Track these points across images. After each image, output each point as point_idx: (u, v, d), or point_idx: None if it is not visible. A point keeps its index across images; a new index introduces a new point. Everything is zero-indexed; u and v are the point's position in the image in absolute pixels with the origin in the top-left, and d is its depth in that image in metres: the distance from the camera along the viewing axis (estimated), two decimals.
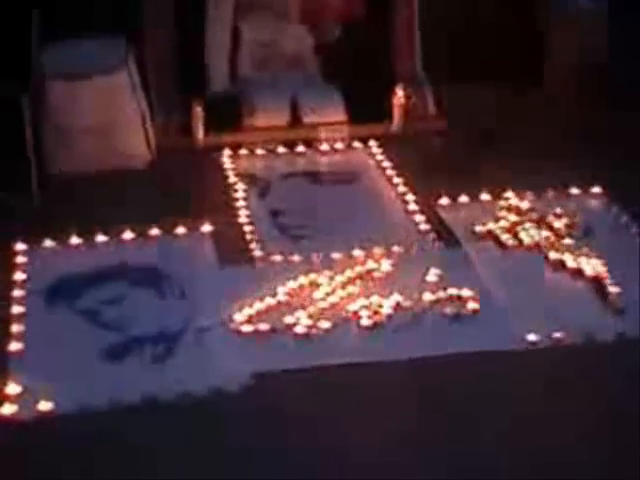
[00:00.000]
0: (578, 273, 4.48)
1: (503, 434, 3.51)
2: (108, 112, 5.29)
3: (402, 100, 5.72)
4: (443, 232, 4.80)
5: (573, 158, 5.25)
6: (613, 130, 5.44)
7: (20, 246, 4.65)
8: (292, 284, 4.37)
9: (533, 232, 4.77)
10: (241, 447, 3.50)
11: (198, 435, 3.55)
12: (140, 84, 5.46)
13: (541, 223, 4.85)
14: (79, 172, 5.16)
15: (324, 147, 5.63)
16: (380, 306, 4.23)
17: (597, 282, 4.41)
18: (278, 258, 4.61)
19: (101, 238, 4.72)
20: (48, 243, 4.69)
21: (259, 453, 3.48)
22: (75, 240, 4.72)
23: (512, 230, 4.80)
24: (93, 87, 5.27)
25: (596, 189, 5.14)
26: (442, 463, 3.37)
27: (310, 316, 4.19)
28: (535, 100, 5.82)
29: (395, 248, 4.63)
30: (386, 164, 5.45)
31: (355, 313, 4.21)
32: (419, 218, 4.93)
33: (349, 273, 4.45)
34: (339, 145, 5.64)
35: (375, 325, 4.15)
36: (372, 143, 5.64)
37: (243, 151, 5.58)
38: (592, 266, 4.49)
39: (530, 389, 3.75)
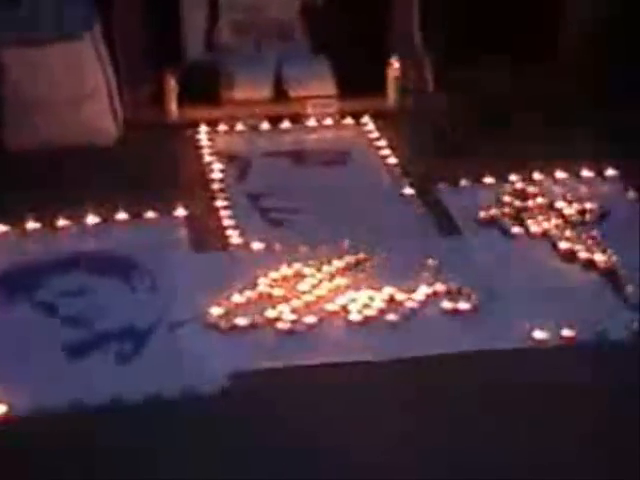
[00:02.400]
0: (590, 264, 4.48)
1: (504, 435, 3.54)
2: (70, 83, 5.26)
3: (398, 73, 5.71)
4: (442, 218, 4.80)
5: (585, 138, 5.26)
6: (631, 108, 5.44)
7: None
8: (274, 275, 4.36)
9: (541, 219, 4.77)
10: (214, 454, 3.49)
11: (169, 442, 3.54)
12: (106, 51, 5.43)
13: (550, 209, 4.85)
14: (38, 149, 5.14)
15: (311, 123, 5.62)
16: (371, 299, 4.22)
17: (611, 274, 4.41)
18: (259, 245, 4.60)
19: (62, 222, 4.70)
20: (2, 228, 4.66)
21: (235, 460, 3.47)
22: (33, 225, 4.69)
23: (518, 217, 4.80)
24: (53, 55, 5.23)
25: (611, 172, 5.15)
26: (442, 464, 3.41)
27: (294, 310, 4.18)
28: (545, 74, 5.82)
29: (388, 236, 4.62)
30: (380, 143, 5.44)
31: (344, 307, 4.20)
32: (416, 203, 4.92)
33: (337, 263, 4.44)
34: (328, 121, 5.64)
35: (365, 321, 4.14)
36: (365, 119, 5.63)
37: (221, 127, 5.56)
38: (606, 257, 4.49)
39: (535, 391, 3.75)
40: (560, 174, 5.11)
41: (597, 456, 3.44)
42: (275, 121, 5.59)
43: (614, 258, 4.47)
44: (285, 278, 4.36)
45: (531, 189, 4.99)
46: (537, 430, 3.55)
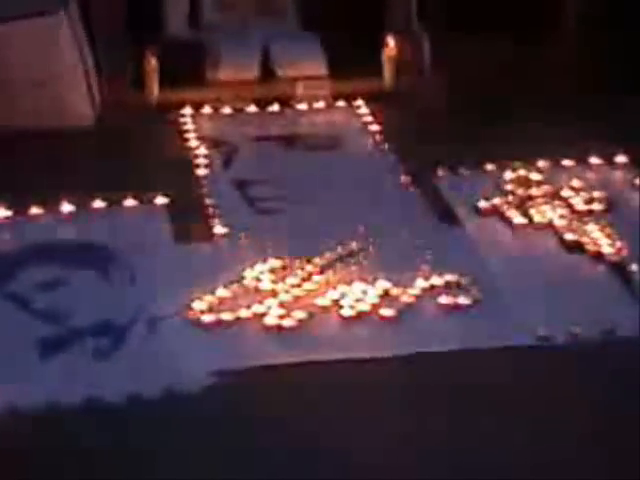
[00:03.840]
0: (598, 256, 4.48)
1: (504, 435, 3.56)
2: (44, 61, 5.25)
3: (394, 53, 5.70)
4: (441, 207, 4.80)
5: (593, 121, 5.26)
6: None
7: None
8: (261, 267, 4.36)
9: (546, 208, 4.77)
10: (197, 456, 3.48)
11: (150, 444, 3.53)
12: (83, 28, 5.42)
13: (555, 198, 4.85)
14: (9, 132, 5.11)
15: (301, 106, 5.62)
16: (364, 294, 4.22)
17: (620, 267, 4.41)
18: (245, 236, 4.59)
19: (35, 210, 4.68)
20: None
21: (216, 463, 3.46)
22: (4, 212, 4.67)
23: (521, 206, 4.80)
24: (25, 31, 5.21)
25: (620, 158, 5.15)
26: (442, 463, 3.44)
27: (282, 305, 4.18)
28: (548, 52, 5.83)
29: (382, 226, 4.61)
30: (374, 127, 5.44)
31: (335, 302, 4.20)
32: (412, 191, 4.92)
33: (329, 255, 4.44)
34: (319, 104, 5.63)
35: (358, 316, 4.14)
36: (358, 102, 5.63)
37: (205, 110, 5.56)
38: (614, 248, 4.49)
39: (539, 390, 3.76)
40: (567, 161, 5.11)
41: (598, 454, 3.47)
42: (263, 104, 5.58)
43: (623, 250, 4.47)
44: (273, 271, 4.35)
45: (535, 177, 4.99)
46: (538, 429, 3.57)
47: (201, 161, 5.14)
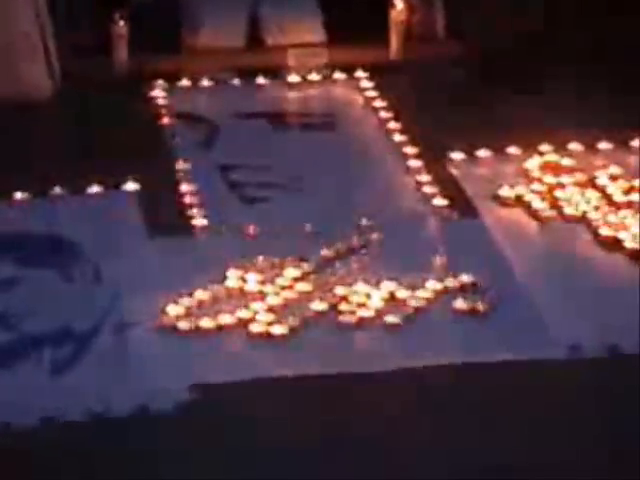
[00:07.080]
0: (638, 255, 4.47)
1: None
2: None
3: (402, 17, 5.69)
4: (456, 196, 4.79)
5: (632, 97, 5.24)
6: None
7: None
8: (247, 265, 4.34)
9: (578, 198, 4.77)
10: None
11: (115, 469, 3.52)
12: None
13: (589, 186, 4.85)
14: None
15: (294, 78, 5.61)
16: (367, 297, 4.22)
17: None
18: (228, 229, 4.58)
19: None
20: None
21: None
22: None
23: (549, 195, 4.79)
24: None
25: None
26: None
27: (271, 310, 4.17)
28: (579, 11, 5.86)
29: (388, 219, 4.62)
30: (379, 103, 5.43)
31: (333, 307, 4.19)
32: (423, 177, 4.92)
33: (325, 251, 4.43)
34: (315, 76, 5.63)
35: (360, 323, 4.14)
36: (360, 74, 5.62)
37: (183, 82, 5.56)
38: None
39: (555, 399, 3.78)
40: (602, 144, 5.10)
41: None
42: (249, 75, 5.57)
43: None
44: (261, 270, 4.34)
45: (566, 162, 4.98)
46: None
47: (178, 141, 5.13)
